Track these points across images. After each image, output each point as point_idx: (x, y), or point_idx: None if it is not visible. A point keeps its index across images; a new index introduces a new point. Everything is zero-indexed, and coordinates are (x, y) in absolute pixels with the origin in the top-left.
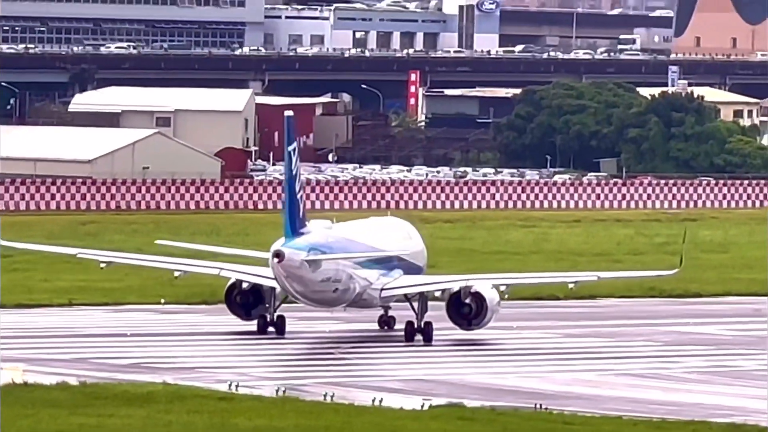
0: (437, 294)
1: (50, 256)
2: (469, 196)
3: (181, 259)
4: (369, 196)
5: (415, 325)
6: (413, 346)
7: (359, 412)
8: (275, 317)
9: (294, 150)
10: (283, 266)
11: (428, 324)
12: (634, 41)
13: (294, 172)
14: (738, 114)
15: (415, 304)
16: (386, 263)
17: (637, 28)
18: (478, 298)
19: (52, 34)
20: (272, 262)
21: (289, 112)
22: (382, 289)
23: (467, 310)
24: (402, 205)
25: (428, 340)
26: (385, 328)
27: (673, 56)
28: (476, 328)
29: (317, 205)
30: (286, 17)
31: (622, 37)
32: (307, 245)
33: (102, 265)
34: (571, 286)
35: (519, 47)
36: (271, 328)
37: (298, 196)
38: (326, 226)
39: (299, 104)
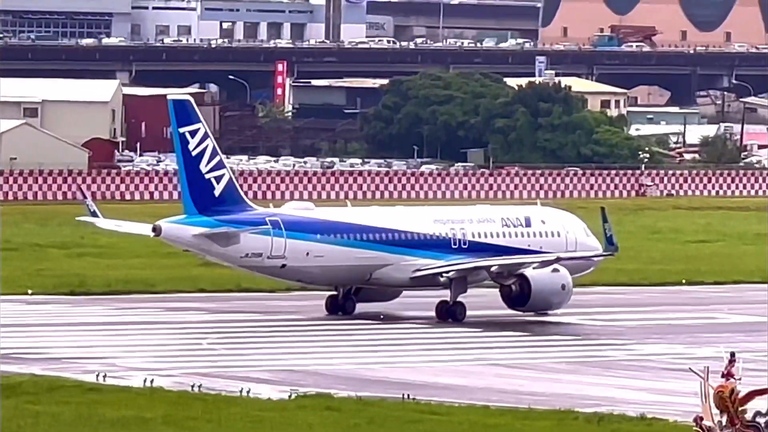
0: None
1: None
2: (336, 187)
3: None
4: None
5: (449, 305)
6: (292, 335)
7: (227, 402)
8: (341, 298)
9: (194, 132)
10: (168, 240)
11: (458, 303)
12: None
13: (196, 153)
14: (605, 104)
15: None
16: (437, 246)
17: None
18: (524, 280)
19: None
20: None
21: (176, 96)
22: (415, 270)
23: (507, 291)
24: (269, 195)
25: (456, 320)
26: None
27: (539, 46)
28: (525, 311)
29: None
30: (153, 8)
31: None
32: (213, 222)
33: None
34: (535, 265)
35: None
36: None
37: (213, 176)
38: (300, 207)
39: (166, 95)
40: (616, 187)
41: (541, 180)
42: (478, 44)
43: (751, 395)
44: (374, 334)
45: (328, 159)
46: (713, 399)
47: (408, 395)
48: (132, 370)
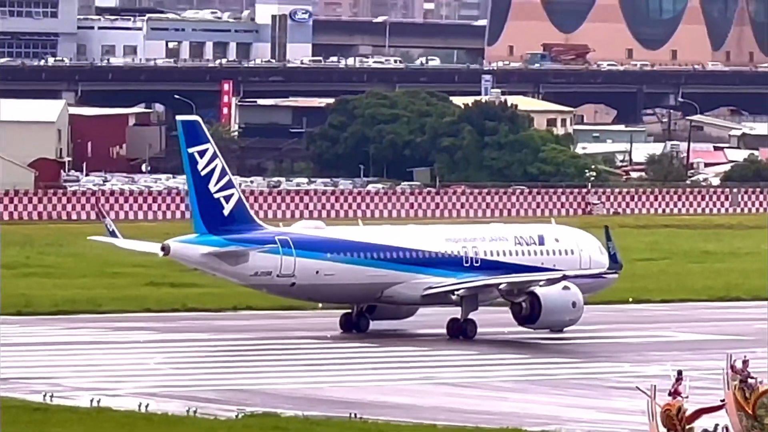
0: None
1: None
2: (283, 206)
3: None
4: (183, 206)
5: (460, 322)
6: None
7: (174, 422)
8: (355, 315)
9: (203, 152)
10: (177, 259)
11: (468, 321)
12: None
13: (205, 173)
14: (552, 123)
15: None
16: (449, 265)
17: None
18: (535, 297)
19: None
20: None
21: (185, 117)
22: (426, 288)
23: (517, 309)
24: None
25: (467, 337)
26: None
27: (486, 65)
28: (536, 328)
29: (131, 215)
30: (99, 28)
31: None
32: (222, 241)
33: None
34: (541, 283)
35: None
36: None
37: (222, 195)
38: (310, 226)
39: (112, 115)
40: (562, 205)
41: (488, 199)
42: (424, 63)
43: (699, 413)
44: (321, 354)
45: (275, 178)
46: (660, 417)
47: (355, 414)
48: (79, 390)
